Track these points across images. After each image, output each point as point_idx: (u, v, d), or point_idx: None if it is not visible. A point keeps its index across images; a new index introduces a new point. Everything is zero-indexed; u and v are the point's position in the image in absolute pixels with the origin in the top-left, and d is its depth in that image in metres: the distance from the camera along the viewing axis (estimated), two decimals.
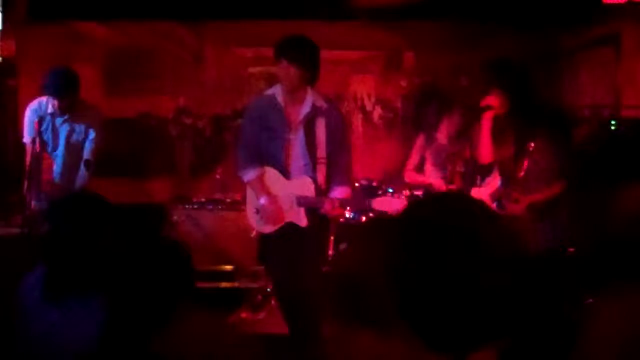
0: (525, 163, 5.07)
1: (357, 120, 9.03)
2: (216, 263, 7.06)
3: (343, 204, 5.25)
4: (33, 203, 6.09)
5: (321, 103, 5.16)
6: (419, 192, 7.05)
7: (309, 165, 5.16)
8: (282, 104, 5.18)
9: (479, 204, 1.81)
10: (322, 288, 5.22)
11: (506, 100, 5.15)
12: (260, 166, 5.24)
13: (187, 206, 7.58)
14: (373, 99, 9.05)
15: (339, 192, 5.17)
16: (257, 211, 5.28)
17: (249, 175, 5.26)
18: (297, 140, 5.17)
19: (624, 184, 2.63)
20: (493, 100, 5.23)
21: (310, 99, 5.14)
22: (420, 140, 7.36)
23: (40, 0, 7.95)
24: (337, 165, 5.17)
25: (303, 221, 5.14)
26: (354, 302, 2.40)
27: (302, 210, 5.14)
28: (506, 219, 5.14)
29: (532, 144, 5.03)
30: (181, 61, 8.86)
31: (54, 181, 6.13)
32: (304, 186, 5.14)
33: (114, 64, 8.81)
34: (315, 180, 5.13)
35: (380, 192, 7.25)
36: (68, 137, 6.13)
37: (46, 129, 6.02)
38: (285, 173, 5.19)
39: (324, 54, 8.89)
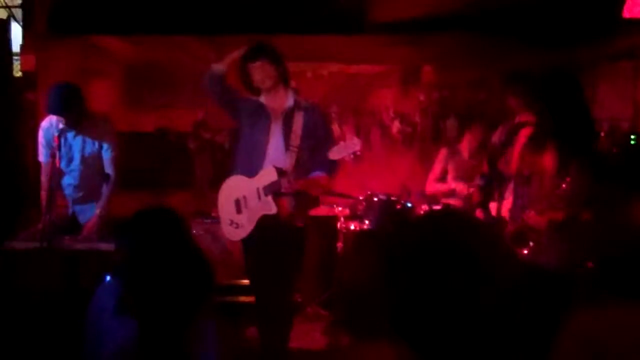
0: (568, 180, 4.99)
1: (376, 134, 9.05)
2: (235, 277, 7.05)
3: (310, 184, 5.31)
4: (47, 216, 6.13)
5: (303, 102, 5.46)
6: (437, 207, 7.05)
7: (284, 152, 5.33)
8: (265, 102, 5.46)
9: (478, 222, 1.82)
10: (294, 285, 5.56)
11: (547, 117, 5.06)
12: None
13: (205, 220, 7.58)
14: (391, 113, 9.06)
15: (314, 175, 5.31)
16: (232, 222, 5.45)
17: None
18: (277, 129, 5.38)
19: None
20: (530, 117, 5.18)
21: (292, 96, 5.45)
22: (442, 153, 7.37)
23: (60, 14, 7.99)
24: (321, 162, 5.27)
25: (273, 208, 5.27)
26: (363, 314, 2.41)
27: (269, 198, 5.27)
28: (525, 229, 5.11)
29: (575, 163, 4.95)
30: (200, 75, 8.88)
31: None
32: (269, 175, 5.28)
33: (133, 78, 8.86)
34: (280, 168, 5.26)
35: (399, 207, 7.25)
36: (82, 150, 6.16)
37: (59, 144, 6.04)
38: (262, 162, 5.35)
39: (343, 68, 9.02)
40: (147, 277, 3.09)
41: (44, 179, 6.21)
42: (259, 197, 5.30)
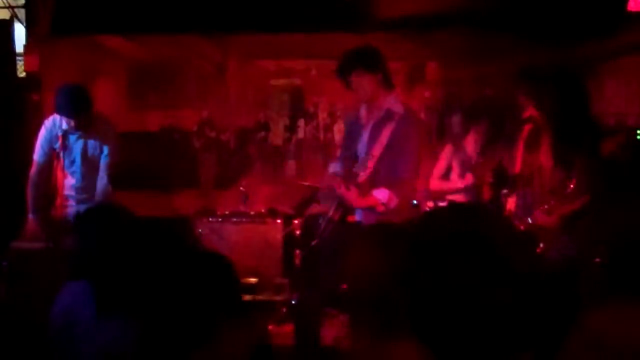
0: (574, 178, 4.98)
1: None
2: (240, 276, 7.03)
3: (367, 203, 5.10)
4: (30, 217, 6.09)
5: (398, 109, 5.17)
6: (443, 204, 7.02)
7: (364, 160, 5.20)
8: (362, 115, 5.30)
9: (496, 216, 1.79)
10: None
11: (546, 112, 5.06)
12: (340, 167, 5.41)
13: (211, 219, 7.57)
14: None
15: (377, 192, 5.07)
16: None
17: (330, 168, 5.54)
18: (365, 139, 5.23)
19: None
20: (534, 112, 5.17)
21: (386, 105, 5.17)
22: (447, 150, 7.35)
23: (64, 14, 7.98)
24: (392, 175, 5.07)
25: (335, 215, 5.17)
26: (378, 312, 2.38)
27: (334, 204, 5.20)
28: (534, 229, 5.10)
29: (577, 160, 4.94)
30: (204, 74, 8.87)
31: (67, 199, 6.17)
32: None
33: (137, 77, 8.84)
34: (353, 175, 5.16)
35: None
36: (84, 152, 6.13)
37: (63, 144, 6.02)
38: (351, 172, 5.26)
39: None
40: (114, 276, 3.07)
41: (32, 174, 6.17)
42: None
